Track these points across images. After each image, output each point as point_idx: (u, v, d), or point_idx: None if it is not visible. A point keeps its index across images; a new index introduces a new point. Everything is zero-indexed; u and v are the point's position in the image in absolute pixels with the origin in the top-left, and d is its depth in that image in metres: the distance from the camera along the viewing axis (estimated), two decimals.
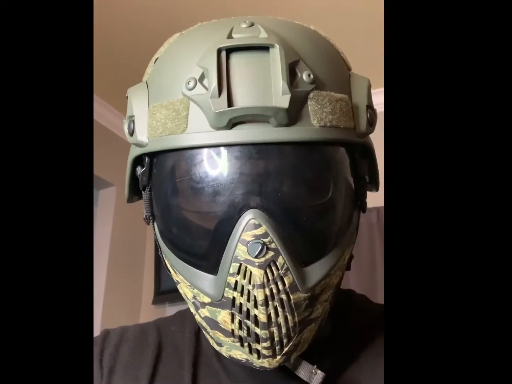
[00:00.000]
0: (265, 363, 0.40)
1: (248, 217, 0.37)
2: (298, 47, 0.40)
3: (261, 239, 0.37)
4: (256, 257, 0.37)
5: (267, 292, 0.38)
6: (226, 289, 0.39)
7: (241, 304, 0.38)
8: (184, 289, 0.43)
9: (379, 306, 0.53)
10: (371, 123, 0.43)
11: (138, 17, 1.80)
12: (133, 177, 0.47)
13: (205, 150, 0.39)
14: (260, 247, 0.37)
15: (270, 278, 0.37)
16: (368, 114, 0.42)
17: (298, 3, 1.75)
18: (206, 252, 0.40)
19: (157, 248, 0.47)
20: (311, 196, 0.40)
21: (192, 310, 0.44)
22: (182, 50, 0.42)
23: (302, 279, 0.39)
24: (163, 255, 0.45)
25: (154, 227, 0.46)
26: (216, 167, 0.39)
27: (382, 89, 2.03)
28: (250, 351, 0.40)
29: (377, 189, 0.50)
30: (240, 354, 0.41)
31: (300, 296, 0.39)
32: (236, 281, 0.38)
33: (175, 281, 0.45)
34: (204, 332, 0.45)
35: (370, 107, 0.43)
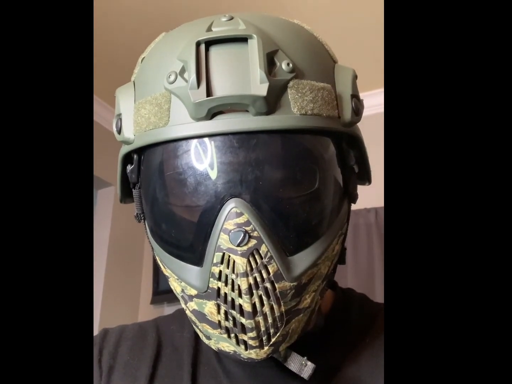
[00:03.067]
0: (252, 354, 0.39)
1: (230, 206, 0.37)
2: (277, 38, 0.40)
3: (243, 227, 0.37)
4: (238, 245, 0.37)
5: (251, 280, 0.37)
6: (211, 279, 0.39)
7: (225, 294, 0.38)
8: (173, 284, 0.43)
9: (378, 304, 0.53)
10: (357, 112, 0.42)
11: (138, 17, 1.80)
12: (125, 176, 0.47)
13: (187, 142, 0.39)
14: (242, 235, 0.37)
15: (254, 266, 0.37)
16: (353, 103, 0.42)
17: (298, 2, 1.75)
18: (191, 244, 0.40)
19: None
20: (293, 184, 0.39)
21: (182, 304, 0.44)
22: (165, 46, 0.43)
23: (287, 268, 0.38)
24: (154, 251, 0.45)
25: (145, 224, 0.46)
26: (198, 158, 0.39)
27: (382, 89, 2.03)
28: (237, 343, 0.39)
29: (369, 181, 0.49)
30: (227, 346, 0.40)
31: (285, 285, 0.38)
32: (220, 271, 0.38)
33: (166, 276, 0.45)
34: (194, 326, 0.45)
35: (355, 96, 0.43)
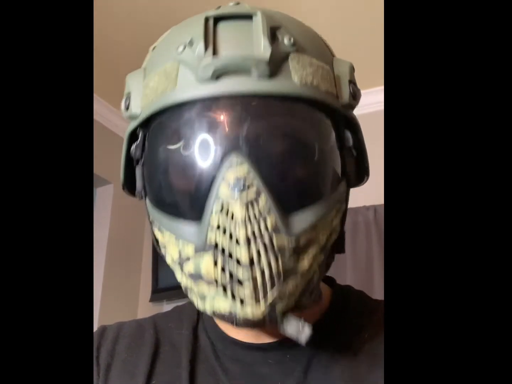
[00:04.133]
0: (248, 312, 0.38)
1: (231, 158, 0.38)
2: (280, 20, 0.43)
3: (243, 178, 0.38)
4: (237, 195, 0.38)
5: (249, 231, 0.37)
6: (209, 231, 0.39)
7: (223, 245, 0.38)
8: (171, 251, 0.43)
9: (376, 301, 0.53)
10: (354, 96, 0.44)
11: (137, 15, 1.80)
12: (129, 161, 0.47)
13: (192, 104, 0.41)
14: (242, 185, 0.38)
15: (252, 216, 0.38)
16: (350, 88, 0.44)
17: (298, 2, 1.75)
18: (193, 198, 0.41)
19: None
20: (292, 145, 0.41)
21: (178, 275, 0.44)
22: (175, 31, 0.46)
23: (286, 223, 0.39)
24: (153, 226, 0.45)
25: (145, 202, 0.46)
26: (202, 117, 0.40)
27: (382, 87, 2.03)
28: (233, 298, 0.38)
29: (367, 174, 0.49)
30: (223, 305, 0.39)
31: (283, 240, 0.38)
32: (219, 221, 0.38)
33: (162, 249, 0.45)
34: (189, 296, 0.44)
35: (352, 82, 0.45)
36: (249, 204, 0.38)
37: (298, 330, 0.39)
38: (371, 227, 2.00)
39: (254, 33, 0.40)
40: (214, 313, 0.40)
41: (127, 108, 0.45)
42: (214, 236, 0.38)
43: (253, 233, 0.38)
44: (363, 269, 1.95)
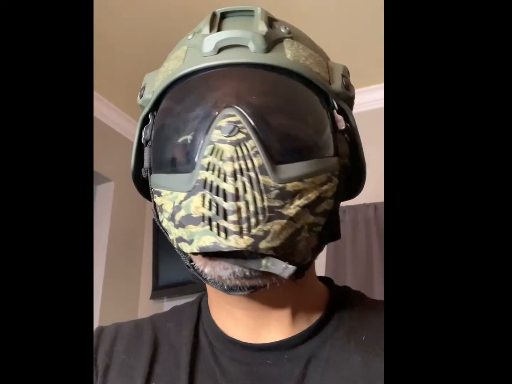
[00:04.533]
0: (231, 241, 0.39)
1: (225, 110, 0.42)
2: (280, 19, 0.48)
3: (235, 123, 0.41)
4: (228, 136, 0.40)
5: (236, 166, 0.40)
6: (199, 171, 0.41)
7: (211, 181, 0.40)
8: (166, 207, 0.44)
9: (375, 301, 0.53)
10: (347, 87, 0.48)
11: (137, 14, 1.80)
12: (140, 148, 0.50)
13: (195, 74, 0.45)
14: (232, 127, 0.41)
15: (240, 155, 0.40)
16: (343, 80, 0.48)
17: (299, 1, 1.75)
18: (189, 150, 0.43)
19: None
20: (282, 104, 0.44)
21: (172, 235, 0.44)
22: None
23: (273, 169, 0.41)
24: (153, 197, 0.47)
25: (149, 180, 0.48)
26: (202, 82, 0.45)
27: (382, 85, 2.02)
28: (218, 232, 0.39)
29: (362, 170, 0.50)
30: (209, 238, 0.40)
31: (269, 181, 0.40)
32: (209, 162, 0.41)
33: (160, 216, 0.46)
34: (179, 246, 0.44)
35: (345, 77, 0.48)
36: (238, 145, 0.40)
37: (282, 267, 0.40)
38: (371, 224, 2.00)
39: (254, 21, 0.45)
40: (200, 249, 0.41)
41: (141, 96, 0.49)
42: (204, 175, 0.41)
43: (240, 168, 0.40)
44: (363, 266, 1.95)
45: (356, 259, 1.97)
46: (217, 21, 0.46)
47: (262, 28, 0.44)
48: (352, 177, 0.50)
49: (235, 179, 0.39)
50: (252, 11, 0.47)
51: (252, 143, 0.41)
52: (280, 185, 0.41)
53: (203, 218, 0.40)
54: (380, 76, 2.00)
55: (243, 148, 0.40)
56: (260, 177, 0.40)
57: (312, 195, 0.42)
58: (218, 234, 0.39)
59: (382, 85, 2.06)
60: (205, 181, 0.40)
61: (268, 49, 0.44)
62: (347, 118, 0.48)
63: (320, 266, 1.92)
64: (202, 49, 0.44)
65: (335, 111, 0.47)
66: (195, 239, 0.41)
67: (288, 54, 0.44)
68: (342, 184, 0.46)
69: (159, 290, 2.35)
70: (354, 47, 1.92)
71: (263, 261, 0.40)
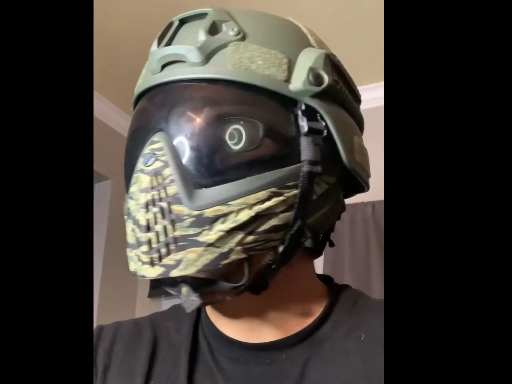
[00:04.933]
0: (144, 270, 0.41)
1: (154, 135, 0.42)
2: (235, 16, 0.45)
3: (155, 152, 0.42)
4: (146, 165, 0.41)
5: (149, 197, 0.41)
6: (128, 199, 0.43)
7: (132, 211, 0.42)
8: None
9: (375, 300, 0.52)
10: (316, 83, 0.43)
11: (137, 10, 1.79)
12: None
13: (143, 94, 0.46)
14: (150, 157, 0.42)
15: (155, 184, 0.41)
16: (310, 74, 0.43)
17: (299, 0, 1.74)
18: (127, 176, 0.45)
19: None
20: (205, 126, 0.41)
21: None
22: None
23: (190, 195, 0.40)
24: None
25: None
26: (140, 105, 0.46)
27: (382, 83, 2.02)
28: (138, 259, 0.41)
29: (352, 169, 0.46)
30: (132, 265, 0.42)
31: (183, 210, 0.40)
32: (132, 190, 0.42)
33: None
34: None
35: (314, 69, 0.43)
36: (154, 174, 0.41)
37: (190, 300, 0.42)
38: (369, 223, 2.00)
39: (200, 28, 0.43)
40: (131, 272, 0.43)
41: None
42: (129, 204, 0.43)
43: (153, 199, 0.41)
44: (361, 264, 1.95)
45: (354, 257, 1.97)
46: (171, 32, 0.45)
47: (201, 37, 0.42)
48: (342, 176, 0.47)
49: (147, 210, 0.41)
50: (206, 14, 0.44)
51: (169, 171, 0.41)
52: (196, 213, 0.40)
53: (129, 244, 0.43)
54: (380, 74, 2.00)
55: (159, 177, 0.41)
56: (173, 206, 0.40)
57: (243, 216, 0.40)
58: (137, 260, 0.42)
59: (382, 83, 2.06)
60: (129, 210, 0.43)
61: (205, 61, 0.42)
62: (322, 116, 0.43)
63: (318, 264, 1.92)
64: (149, 66, 0.45)
65: (299, 112, 0.43)
66: (129, 262, 0.44)
67: (229, 63, 0.42)
68: (311, 191, 0.43)
69: (157, 288, 2.35)
70: (354, 45, 1.92)
71: (183, 289, 0.43)
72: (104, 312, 2.10)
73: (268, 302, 0.47)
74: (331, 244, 0.55)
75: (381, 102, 2.07)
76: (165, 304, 2.34)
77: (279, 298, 0.48)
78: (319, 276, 0.54)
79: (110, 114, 2.32)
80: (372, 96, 2.08)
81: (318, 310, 0.49)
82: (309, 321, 0.48)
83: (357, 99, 0.51)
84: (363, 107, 0.53)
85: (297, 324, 0.48)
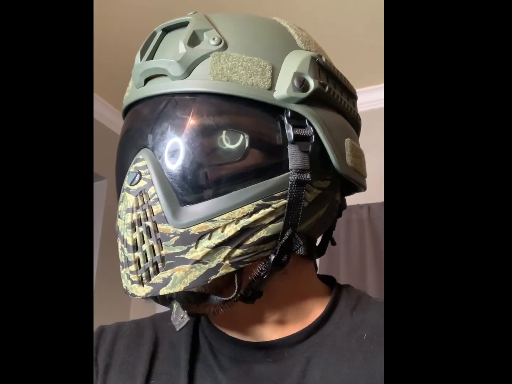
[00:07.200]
0: (133, 289, 0.41)
1: (140, 152, 0.42)
2: (217, 23, 0.44)
3: (139, 170, 0.41)
4: (131, 184, 0.41)
5: (135, 217, 0.41)
6: (117, 217, 0.43)
7: (120, 230, 0.42)
8: None
9: (376, 301, 0.52)
10: (302, 86, 0.42)
11: (139, 14, 1.79)
12: None
13: (128, 109, 0.46)
14: (134, 176, 0.41)
15: (140, 204, 0.41)
16: (294, 80, 0.42)
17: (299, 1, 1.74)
18: (118, 191, 0.45)
19: None
20: (189, 142, 0.41)
21: None
22: None
23: (174, 213, 0.40)
24: None
25: None
26: (125, 121, 0.46)
27: (382, 85, 2.02)
28: (128, 277, 0.42)
29: (345, 174, 0.46)
30: (123, 282, 0.43)
31: (168, 228, 0.40)
32: (120, 209, 0.43)
33: None
34: None
35: (299, 74, 0.42)
36: (139, 193, 0.41)
37: (179, 318, 0.42)
38: (364, 225, 2.01)
39: (181, 39, 0.42)
40: (124, 289, 0.43)
41: None
42: (118, 222, 0.43)
43: (139, 219, 0.41)
44: (356, 266, 1.96)
45: (349, 259, 1.98)
46: (154, 43, 0.44)
47: (182, 49, 0.41)
48: (337, 178, 0.47)
49: (134, 230, 0.41)
50: (188, 22, 0.43)
51: (153, 190, 0.40)
52: (181, 231, 0.39)
53: (120, 262, 0.43)
54: (380, 76, 2.00)
55: (144, 196, 0.41)
56: (159, 225, 0.40)
57: (229, 231, 0.40)
58: (127, 279, 0.42)
59: (382, 85, 2.07)
60: (118, 228, 0.43)
61: (187, 74, 0.41)
62: (310, 122, 0.42)
63: None
64: (133, 79, 0.44)
65: (286, 120, 0.42)
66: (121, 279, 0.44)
67: (210, 75, 0.41)
68: (301, 199, 0.42)
69: None
70: (354, 47, 1.93)
71: (174, 306, 0.43)
72: (98, 312, 2.09)
73: (267, 303, 0.47)
74: (333, 243, 0.55)
75: (380, 104, 2.07)
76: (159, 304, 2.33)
77: (278, 300, 0.48)
78: (322, 276, 0.54)
79: (105, 113, 2.32)
80: (372, 98, 2.09)
81: (319, 310, 0.49)
82: (311, 320, 0.48)
83: (352, 96, 0.50)
84: (362, 109, 0.53)
85: (298, 324, 0.48)
